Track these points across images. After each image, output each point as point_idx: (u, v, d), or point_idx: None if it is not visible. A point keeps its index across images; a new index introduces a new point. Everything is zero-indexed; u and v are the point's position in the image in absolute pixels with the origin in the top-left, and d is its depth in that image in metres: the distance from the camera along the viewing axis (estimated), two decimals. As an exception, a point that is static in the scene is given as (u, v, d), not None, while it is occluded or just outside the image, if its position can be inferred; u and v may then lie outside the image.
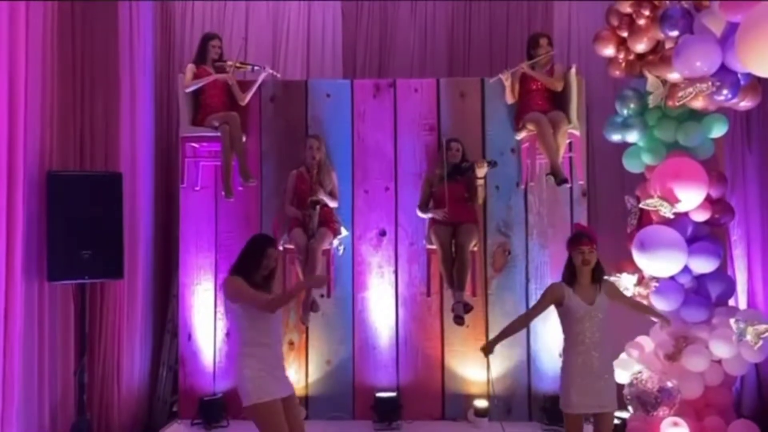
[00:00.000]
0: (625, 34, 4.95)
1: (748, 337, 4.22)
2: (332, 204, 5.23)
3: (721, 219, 4.87)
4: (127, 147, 5.27)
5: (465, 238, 4.98)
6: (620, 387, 4.39)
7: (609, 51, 5.10)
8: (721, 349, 4.44)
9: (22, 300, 4.06)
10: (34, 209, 4.32)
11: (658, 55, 4.75)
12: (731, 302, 4.98)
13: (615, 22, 4.98)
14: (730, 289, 4.87)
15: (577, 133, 5.27)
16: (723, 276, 4.89)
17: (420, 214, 5.28)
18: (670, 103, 4.66)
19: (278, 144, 5.58)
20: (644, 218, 5.01)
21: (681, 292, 4.73)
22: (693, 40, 4.13)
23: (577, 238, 3.67)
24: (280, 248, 4.84)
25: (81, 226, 4.48)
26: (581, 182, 5.40)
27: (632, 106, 5.01)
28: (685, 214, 4.73)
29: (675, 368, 4.59)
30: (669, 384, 4.53)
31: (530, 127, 5.12)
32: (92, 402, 4.83)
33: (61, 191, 4.41)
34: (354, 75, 6.20)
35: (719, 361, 4.56)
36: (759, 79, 4.22)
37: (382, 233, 5.56)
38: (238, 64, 5.40)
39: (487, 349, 3.69)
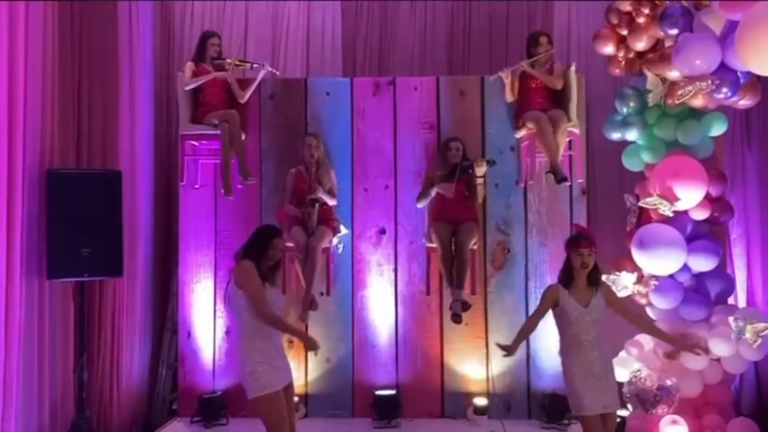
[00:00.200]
0: (624, 33, 4.95)
1: (747, 336, 4.22)
2: (331, 202, 5.23)
3: (721, 217, 4.87)
4: (126, 145, 5.28)
5: (465, 236, 4.97)
6: (620, 385, 4.39)
7: (609, 49, 5.10)
8: (720, 348, 4.44)
9: (21, 298, 4.07)
10: (33, 207, 4.32)
11: (658, 54, 4.75)
12: (730, 301, 4.99)
13: (615, 21, 4.98)
14: (730, 288, 4.87)
15: (576, 131, 5.26)
16: (722, 274, 4.89)
17: (419, 204, 5.25)
18: (669, 101, 4.67)
19: (278, 142, 5.57)
20: (644, 216, 5.01)
21: (680, 291, 4.74)
22: (693, 39, 4.13)
23: (577, 240, 3.66)
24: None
25: (80, 224, 4.48)
26: (581, 180, 5.40)
27: (632, 104, 5.01)
28: (685, 212, 4.74)
29: (674, 366, 4.60)
30: (668, 382, 4.53)
31: (530, 125, 5.12)
32: (92, 399, 4.84)
33: (60, 189, 4.42)
34: (354, 73, 6.20)
35: (718, 360, 4.56)
36: (758, 78, 4.22)
37: (382, 231, 5.56)
38: (237, 62, 5.38)
39: (511, 351, 3.66)
